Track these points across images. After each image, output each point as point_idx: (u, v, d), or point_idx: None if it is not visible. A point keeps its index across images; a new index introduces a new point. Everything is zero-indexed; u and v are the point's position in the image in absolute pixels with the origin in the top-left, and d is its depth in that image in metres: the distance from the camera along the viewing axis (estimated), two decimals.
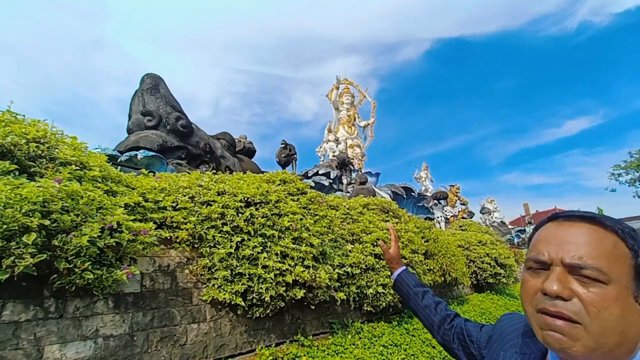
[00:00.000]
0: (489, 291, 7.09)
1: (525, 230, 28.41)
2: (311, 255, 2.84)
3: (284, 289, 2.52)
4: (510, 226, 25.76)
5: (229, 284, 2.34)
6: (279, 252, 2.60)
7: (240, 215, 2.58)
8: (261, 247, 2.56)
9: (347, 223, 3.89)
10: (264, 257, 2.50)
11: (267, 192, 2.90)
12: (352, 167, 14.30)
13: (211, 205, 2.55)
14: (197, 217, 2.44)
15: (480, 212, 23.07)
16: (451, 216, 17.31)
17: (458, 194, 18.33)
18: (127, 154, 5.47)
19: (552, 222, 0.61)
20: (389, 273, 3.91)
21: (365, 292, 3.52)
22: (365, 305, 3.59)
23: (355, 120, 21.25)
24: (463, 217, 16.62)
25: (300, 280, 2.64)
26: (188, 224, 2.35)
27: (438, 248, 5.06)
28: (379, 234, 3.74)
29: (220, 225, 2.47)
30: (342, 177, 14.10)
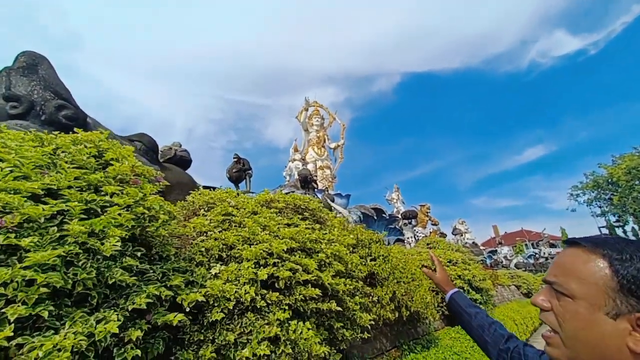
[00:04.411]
0: None
1: (497, 251, 27.29)
2: None
3: None
4: (482, 247, 24.55)
5: None
6: None
7: None
8: None
9: (225, 229, 2.20)
10: None
11: None
12: (314, 185, 12.70)
13: None
14: None
15: (452, 233, 21.76)
16: (423, 237, 15.81)
17: (428, 214, 16.98)
18: None
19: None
20: (288, 315, 2.17)
21: (233, 355, 1.76)
22: None
23: (324, 142, 20.09)
24: None
25: None
26: None
27: (389, 270, 3.39)
28: (272, 244, 2.06)
29: None
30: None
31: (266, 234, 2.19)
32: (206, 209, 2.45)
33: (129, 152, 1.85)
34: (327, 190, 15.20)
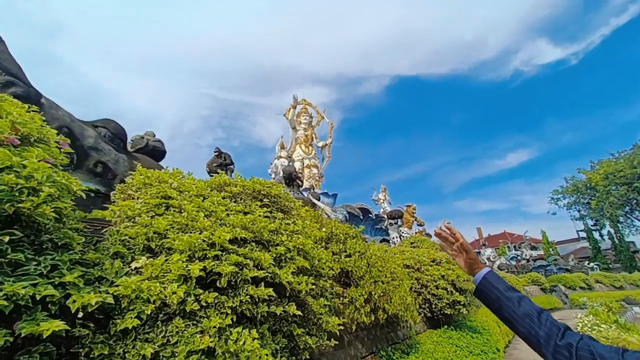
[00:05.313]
0: (446, 326, 5.06)
1: (480, 252, 27.49)
2: None
3: None
4: None
5: None
6: None
7: None
8: None
9: (159, 215, 1.78)
10: None
11: None
12: (299, 183, 12.28)
13: None
14: None
15: None
16: (408, 237, 15.59)
17: (414, 214, 16.79)
18: None
19: None
20: (230, 320, 1.70)
21: None
22: None
23: (312, 140, 19.72)
24: None
25: None
26: None
27: (365, 268, 3.02)
28: (215, 232, 1.66)
29: None
30: (291, 193, 12.03)
31: (210, 221, 1.78)
32: (143, 191, 2.02)
33: (16, 106, 1.41)
34: (314, 189, 14.82)
